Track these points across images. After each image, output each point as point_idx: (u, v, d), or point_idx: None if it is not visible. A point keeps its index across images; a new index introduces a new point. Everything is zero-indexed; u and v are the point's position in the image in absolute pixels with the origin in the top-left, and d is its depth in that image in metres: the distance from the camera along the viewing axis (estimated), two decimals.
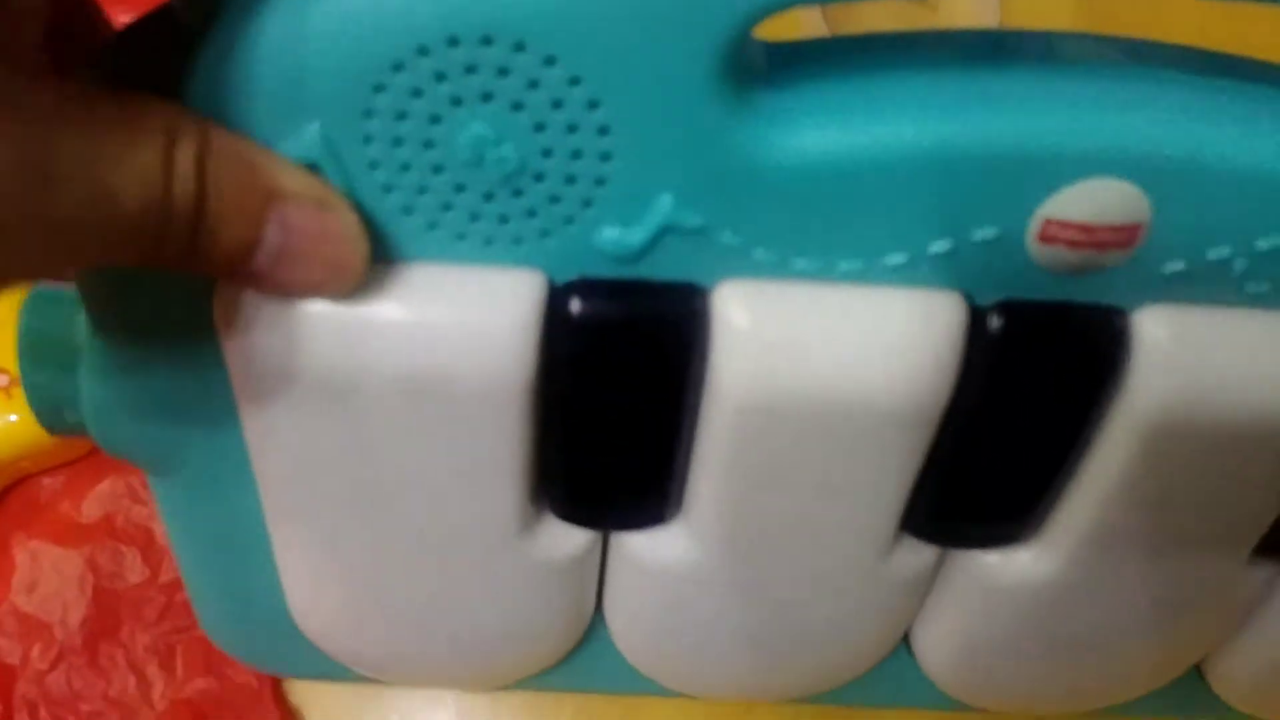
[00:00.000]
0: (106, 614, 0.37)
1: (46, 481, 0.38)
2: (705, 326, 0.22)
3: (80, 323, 0.24)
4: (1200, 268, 0.21)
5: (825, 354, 0.22)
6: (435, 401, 0.22)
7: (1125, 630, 0.29)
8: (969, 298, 0.22)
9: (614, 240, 0.21)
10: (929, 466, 0.24)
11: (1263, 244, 0.21)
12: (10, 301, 0.37)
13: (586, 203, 0.20)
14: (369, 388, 0.22)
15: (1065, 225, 0.20)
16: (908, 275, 0.21)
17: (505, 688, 0.35)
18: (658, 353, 0.22)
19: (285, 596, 0.30)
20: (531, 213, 0.21)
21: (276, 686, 0.37)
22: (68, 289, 0.25)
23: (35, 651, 0.37)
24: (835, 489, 0.24)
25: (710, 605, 0.28)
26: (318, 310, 0.21)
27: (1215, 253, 0.21)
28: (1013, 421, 0.24)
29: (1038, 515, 0.26)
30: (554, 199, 0.20)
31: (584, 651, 0.33)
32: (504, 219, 0.21)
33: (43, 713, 0.36)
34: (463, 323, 0.21)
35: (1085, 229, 0.20)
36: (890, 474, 0.24)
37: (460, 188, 0.20)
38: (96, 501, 0.38)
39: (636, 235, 0.21)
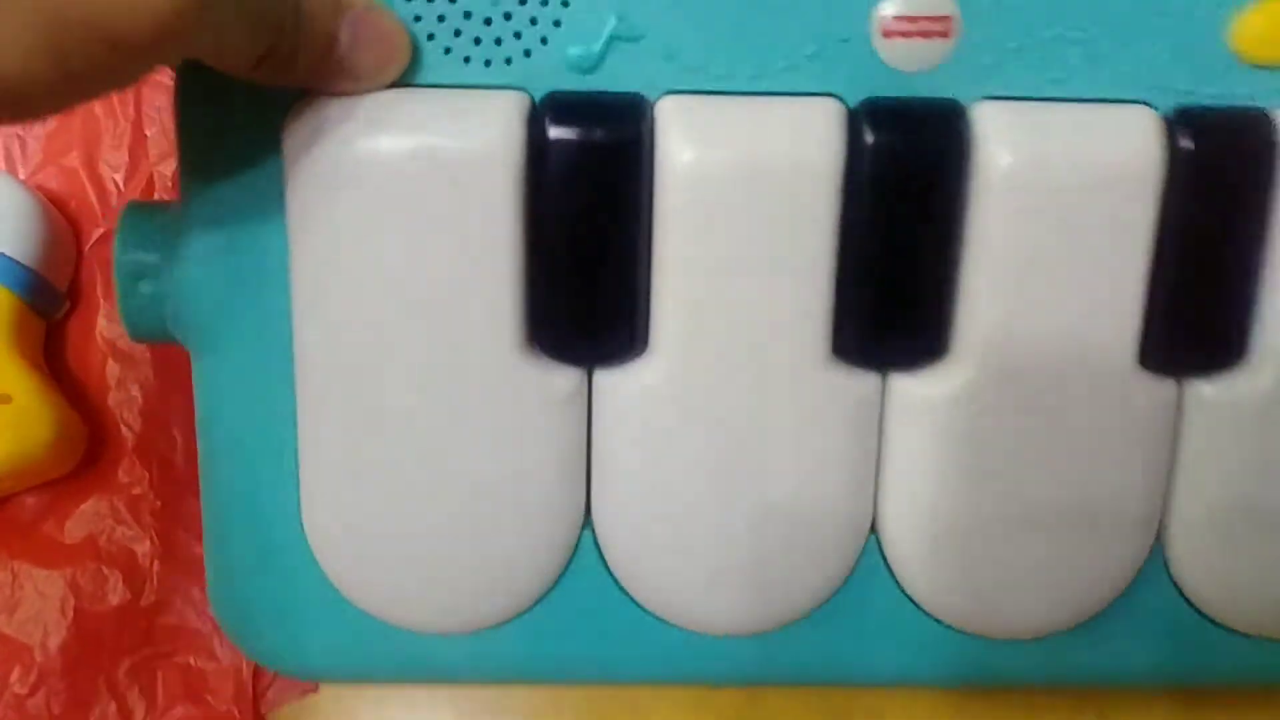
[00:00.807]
0: (88, 638, 0.37)
1: (30, 501, 0.38)
2: (650, 124, 0.30)
3: (169, 219, 0.31)
4: (1005, 56, 0.29)
5: (742, 140, 0.29)
6: (450, 185, 0.29)
7: (1044, 464, 0.31)
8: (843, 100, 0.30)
9: (578, 54, 0.30)
10: (848, 284, 0.30)
11: (1047, 33, 0.29)
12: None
13: (556, 23, 0.29)
14: (400, 169, 0.29)
15: (897, 19, 0.29)
16: (793, 80, 0.30)
17: (506, 616, 0.33)
18: (613, 149, 0.29)
19: (304, 518, 0.32)
20: (517, 34, 0.29)
21: (256, 714, 0.36)
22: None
23: (15, 675, 0.37)
24: (768, 264, 0.30)
25: (683, 448, 0.32)
26: (366, 108, 0.29)
27: (1013, 41, 0.29)
28: (892, 221, 0.30)
29: (942, 325, 0.31)
30: (532, 20, 0.29)
31: (574, 583, 0.33)
32: (498, 40, 0.29)
33: None
34: (471, 115, 0.29)
35: (911, 19, 0.29)
36: (811, 244, 0.30)
37: (467, 14, 0.29)
38: (80, 522, 0.38)
39: (594, 45, 0.30)
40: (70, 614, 0.37)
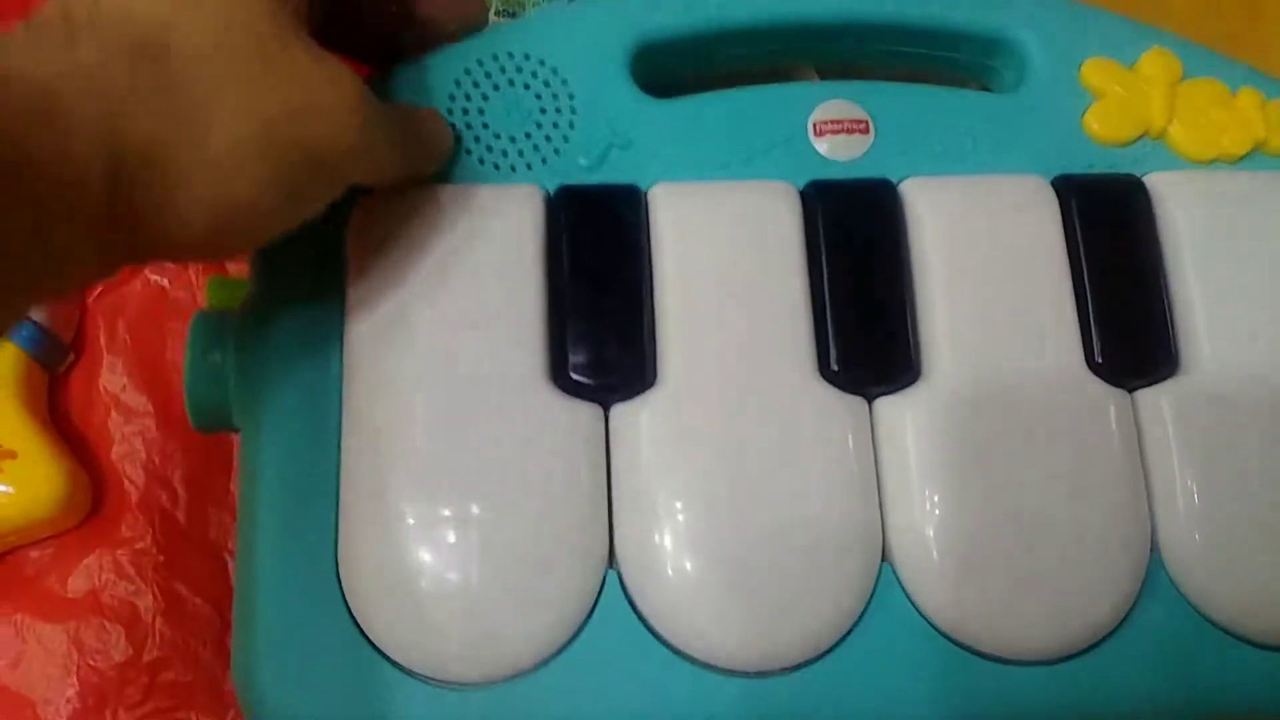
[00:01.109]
0: (90, 693, 0.37)
1: (33, 554, 0.38)
2: (645, 204, 0.37)
3: (231, 325, 0.36)
4: (916, 144, 0.38)
5: (716, 218, 0.36)
6: (485, 258, 0.36)
7: (1024, 477, 0.34)
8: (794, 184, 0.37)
9: (583, 160, 0.37)
10: (824, 318, 0.36)
11: (948, 127, 0.38)
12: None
13: (565, 139, 0.37)
14: (446, 243, 0.36)
15: (826, 122, 0.38)
16: (753, 171, 0.37)
17: (537, 661, 0.33)
18: (616, 223, 0.37)
19: (342, 575, 0.33)
20: (536, 148, 0.37)
21: None
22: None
23: None
24: (753, 307, 0.35)
25: (693, 466, 0.34)
26: (421, 199, 0.36)
27: (920, 135, 0.38)
28: (855, 271, 0.36)
29: (910, 353, 0.35)
30: (548, 138, 0.37)
31: (602, 625, 0.34)
32: (521, 153, 0.37)
33: None
34: (503, 201, 0.36)
35: (836, 121, 0.38)
36: (786, 288, 0.36)
37: (498, 135, 0.37)
38: (83, 576, 0.38)
39: (594, 151, 0.38)
40: (74, 669, 0.37)
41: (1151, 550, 0.34)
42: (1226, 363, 0.35)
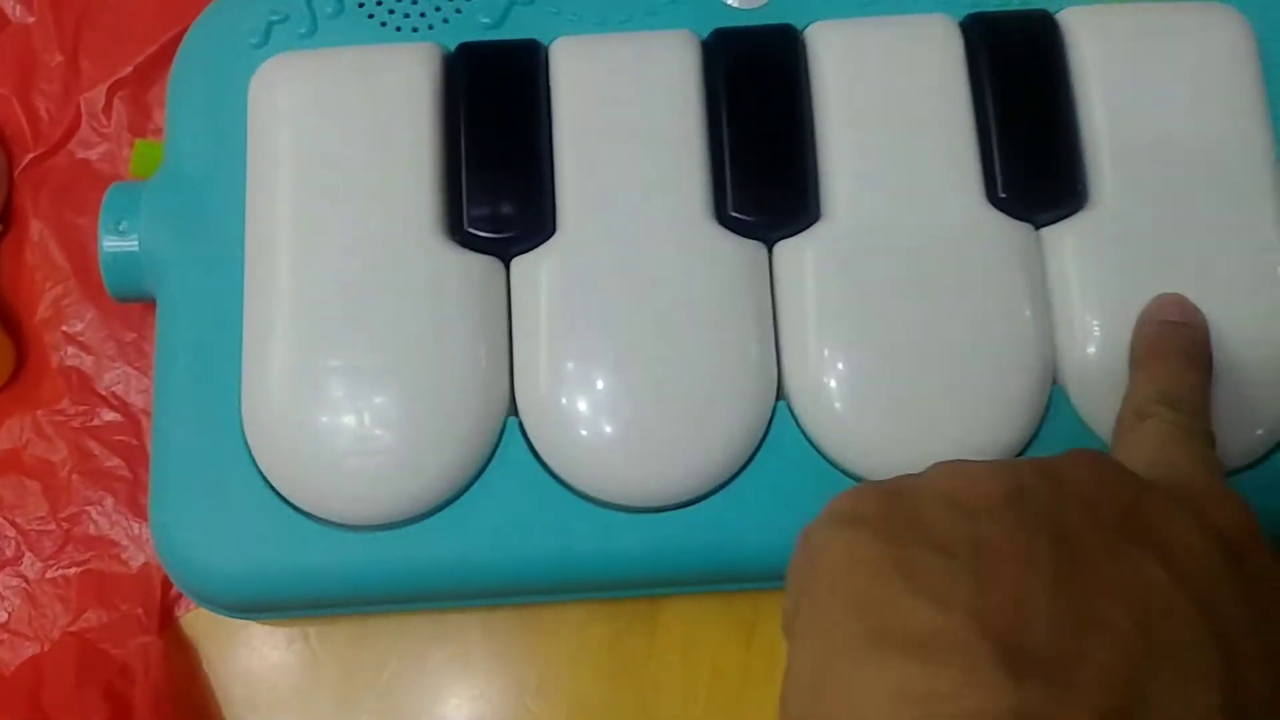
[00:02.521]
0: (6, 545, 0.38)
1: None
2: (544, 63, 0.37)
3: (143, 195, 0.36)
4: None
5: (614, 68, 0.36)
6: (381, 117, 0.36)
7: (927, 310, 0.34)
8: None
9: (484, 19, 0.38)
10: (720, 162, 0.35)
11: None
12: None
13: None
14: (345, 110, 0.36)
15: None
16: (657, 22, 0.37)
17: (437, 503, 0.34)
18: (514, 76, 0.37)
19: (245, 424, 0.34)
20: (438, 8, 0.38)
21: (166, 616, 0.37)
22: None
23: None
24: (651, 150, 0.35)
25: (592, 313, 0.34)
26: (320, 56, 0.37)
27: None
28: (753, 116, 0.36)
29: (807, 195, 0.35)
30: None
31: (502, 469, 0.34)
32: (424, 14, 0.38)
33: None
34: (400, 60, 0.37)
35: None
36: (682, 131, 0.36)
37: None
38: (4, 436, 0.39)
39: (496, 10, 0.38)
40: None
41: (1054, 382, 0.34)
42: (1132, 196, 0.34)
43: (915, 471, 0.25)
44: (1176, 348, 0.32)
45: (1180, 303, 0.33)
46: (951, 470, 0.24)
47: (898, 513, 0.24)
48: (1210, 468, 0.27)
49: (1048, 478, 0.24)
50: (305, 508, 0.34)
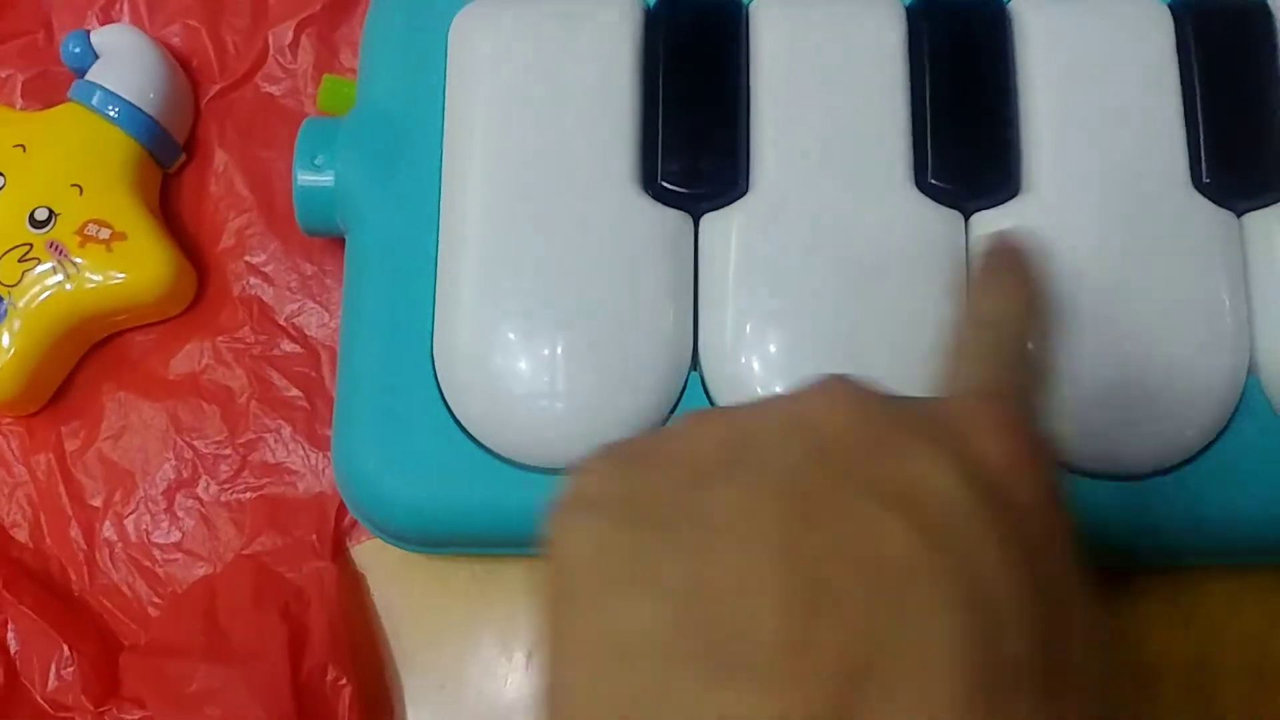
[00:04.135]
0: (185, 466, 0.39)
1: (139, 338, 0.40)
2: (745, 22, 0.37)
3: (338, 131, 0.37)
4: None
5: (816, 31, 0.37)
6: (581, 66, 0.36)
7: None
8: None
9: None
10: (919, 129, 0.36)
11: None
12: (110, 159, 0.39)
13: None
14: (545, 57, 0.36)
15: None
16: None
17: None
18: (715, 33, 0.37)
19: (437, 364, 0.35)
20: None
21: (339, 545, 0.38)
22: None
23: (118, 496, 0.39)
24: (853, 123, 0.36)
25: (780, 274, 0.34)
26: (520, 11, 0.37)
27: None
28: (959, 85, 0.36)
29: (1010, 167, 0.35)
30: None
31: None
32: None
33: (119, 553, 0.38)
34: (602, 10, 0.37)
35: None
36: (888, 111, 0.36)
37: None
38: (184, 360, 0.40)
39: None
40: (171, 444, 0.39)
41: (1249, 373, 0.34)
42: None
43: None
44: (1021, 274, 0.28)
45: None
46: (691, 423, 0.22)
47: (634, 488, 0.21)
48: (999, 390, 0.24)
49: (787, 422, 0.21)
50: (490, 446, 0.35)
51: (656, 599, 0.19)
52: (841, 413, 0.21)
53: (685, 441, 0.22)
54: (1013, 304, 0.27)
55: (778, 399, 0.22)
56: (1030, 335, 0.26)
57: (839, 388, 0.22)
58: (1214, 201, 0.34)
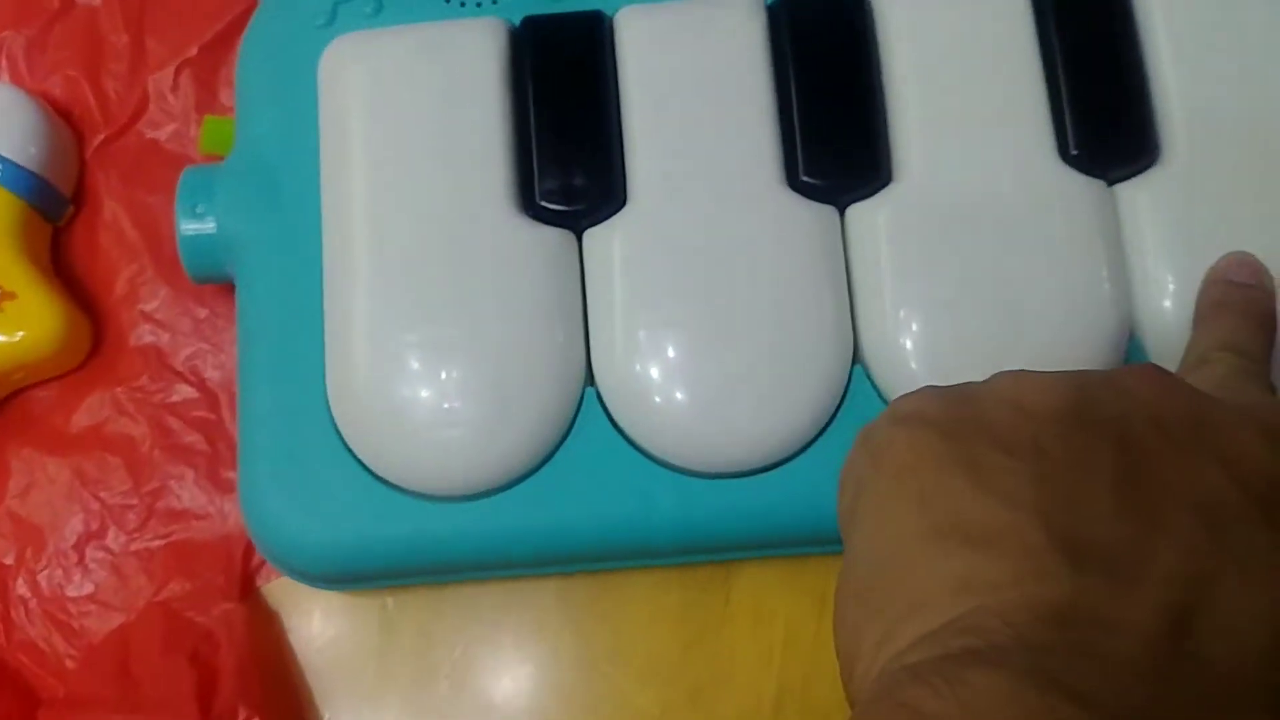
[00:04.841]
0: (93, 519, 0.39)
1: (40, 394, 0.40)
2: (609, 34, 0.37)
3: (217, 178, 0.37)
4: None
5: (679, 36, 0.37)
6: (449, 91, 0.36)
7: (999, 264, 0.34)
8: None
9: None
10: (786, 127, 0.36)
11: None
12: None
13: None
14: (413, 86, 0.37)
15: None
16: None
17: (518, 474, 0.35)
18: (580, 48, 0.37)
19: (331, 400, 0.35)
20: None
21: (247, 585, 0.38)
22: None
23: (29, 552, 0.39)
24: (722, 126, 0.36)
25: (666, 283, 0.35)
26: (389, 35, 0.37)
27: None
28: (822, 79, 0.36)
29: (879, 158, 0.35)
30: None
31: (582, 439, 0.35)
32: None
33: (34, 608, 0.39)
34: (466, 35, 0.37)
35: None
36: (754, 111, 0.36)
37: None
38: (85, 413, 0.40)
39: None
40: (77, 498, 0.39)
41: (1130, 335, 0.34)
42: (1208, 151, 0.34)
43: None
44: (1241, 307, 0.32)
45: (1248, 262, 0.33)
46: (1016, 378, 0.24)
47: (963, 414, 0.24)
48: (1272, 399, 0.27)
49: (1111, 387, 0.24)
50: (391, 479, 0.35)
51: (1010, 504, 0.22)
52: (1163, 386, 0.24)
53: (1010, 389, 0.24)
54: (1257, 334, 0.31)
55: (1093, 373, 0.25)
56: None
57: (1154, 368, 0.25)
58: (1083, 172, 0.34)
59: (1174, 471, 0.22)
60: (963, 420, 0.24)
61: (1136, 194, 0.34)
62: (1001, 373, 0.25)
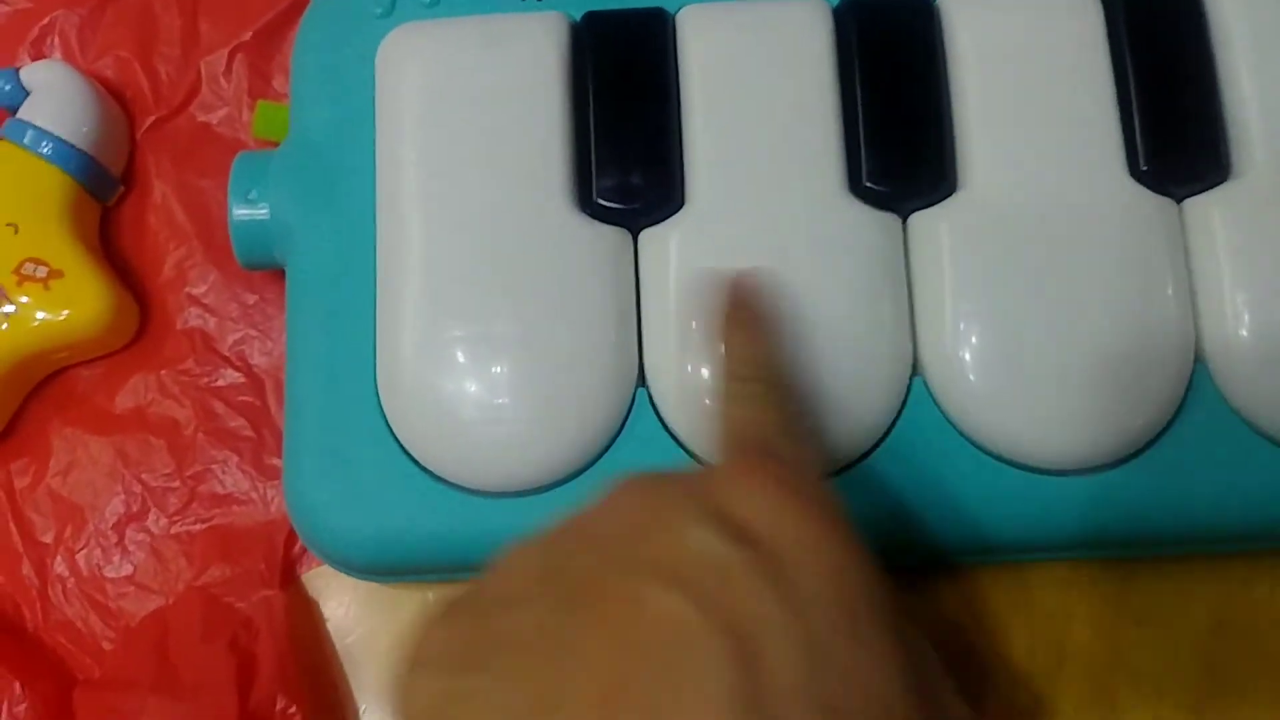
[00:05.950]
0: (134, 501, 0.39)
1: (84, 373, 0.40)
2: (672, 32, 0.37)
3: (270, 164, 0.37)
4: None
5: (744, 37, 0.36)
6: (509, 86, 0.36)
7: (1064, 279, 0.34)
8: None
9: None
10: (850, 132, 0.35)
11: None
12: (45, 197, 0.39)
13: None
14: (473, 79, 0.36)
15: None
16: None
17: (568, 473, 0.34)
18: (642, 45, 0.37)
19: (379, 378, 0.35)
20: None
21: (288, 573, 0.38)
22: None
23: (68, 531, 0.39)
24: (785, 129, 0.35)
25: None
26: (446, 25, 0.37)
27: None
28: (888, 85, 0.35)
29: (944, 166, 0.35)
30: None
31: (631, 440, 0.34)
32: None
33: (72, 588, 0.38)
34: (527, 29, 0.37)
35: None
36: (818, 115, 0.36)
37: None
38: (129, 394, 0.40)
39: None
40: (119, 479, 0.39)
41: (1196, 360, 0.34)
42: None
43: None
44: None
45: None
46: (502, 560, 0.25)
47: (456, 636, 0.24)
48: (770, 435, 0.27)
49: (570, 531, 0.25)
50: (437, 472, 0.34)
51: None
52: (619, 506, 0.24)
53: (487, 580, 0.24)
54: (760, 345, 0.30)
55: (576, 511, 0.25)
56: (785, 368, 0.30)
57: (623, 484, 0.25)
58: (1152, 189, 0.34)
59: (605, 604, 0.22)
60: (455, 644, 0.24)
61: (1209, 210, 0.34)
62: (506, 548, 0.25)
